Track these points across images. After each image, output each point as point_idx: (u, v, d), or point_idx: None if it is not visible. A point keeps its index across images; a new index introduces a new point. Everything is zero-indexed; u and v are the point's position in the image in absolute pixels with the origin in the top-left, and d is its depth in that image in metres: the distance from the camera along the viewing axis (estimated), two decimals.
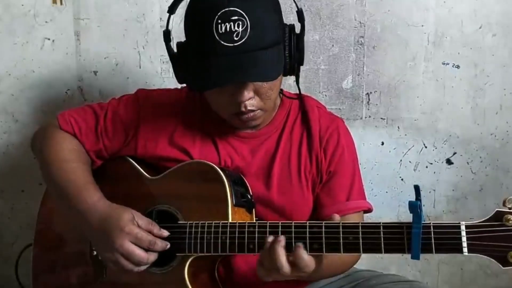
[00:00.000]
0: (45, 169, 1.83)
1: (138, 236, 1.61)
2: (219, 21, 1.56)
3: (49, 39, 2.40)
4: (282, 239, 1.51)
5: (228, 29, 1.55)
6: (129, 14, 2.39)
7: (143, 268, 1.65)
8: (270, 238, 1.53)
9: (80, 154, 1.85)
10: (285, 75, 1.72)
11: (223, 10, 1.55)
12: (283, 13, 1.71)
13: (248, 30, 1.56)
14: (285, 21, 1.70)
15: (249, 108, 1.68)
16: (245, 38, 1.56)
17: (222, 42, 1.56)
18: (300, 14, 1.70)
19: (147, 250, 1.63)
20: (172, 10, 1.70)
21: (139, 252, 1.61)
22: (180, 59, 1.72)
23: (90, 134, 1.86)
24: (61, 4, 2.36)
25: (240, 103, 1.66)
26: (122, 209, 1.66)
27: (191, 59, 1.67)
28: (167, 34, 1.73)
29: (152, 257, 1.64)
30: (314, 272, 1.56)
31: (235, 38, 1.56)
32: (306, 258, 1.50)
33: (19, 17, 2.38)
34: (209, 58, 1.61)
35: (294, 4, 1.75)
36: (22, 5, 2.37)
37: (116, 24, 2.40)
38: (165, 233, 1.66)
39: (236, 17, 1.55)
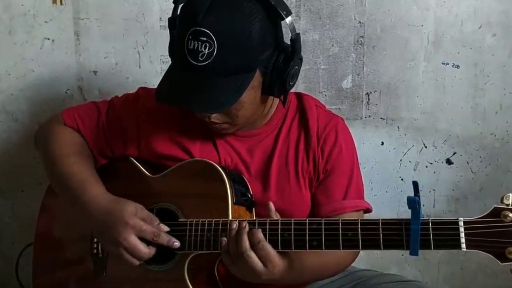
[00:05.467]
0: (49, 164, 1.86)
1: (143, 229, 1.64)
2: (190, 37, 1.56)
3: (49, 39, 2.40)
4: (246, 225, 1.58)
5: (196, 48, 1.55)
6: (129, 14, 2.39)
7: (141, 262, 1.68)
8: (235, 225, 1.59)
9: (83, 148, 1.88)
10: (265, 95, 1.71)
11: (195, 28, 1.55)
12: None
13: (214, 54, 1.54)
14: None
15: (212, 120, 1.69)
16: (208, 61, 1.55)
17: (189, 58, 1.57)
18: (292, 42, 1.64)
19: (150, 242, 1.65)
20: (177, 1, 1.68)
21: (141, 247, 1.64)
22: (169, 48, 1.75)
23: (92, 128, 1.89)
24: (61, 4, 2.36)
25: (204, 114, 1.69)
26: (125, 202, 1.68)
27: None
28: (172, 21, 1.71)
29: (153, 251, 1.67)
30: (287, 273, 1.61)
31: (200, 59, 1.55)
32: (264, 240, 1.57)
33: (19, 17, 2.38)
34: (177, 67, 1.64)
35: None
36: (22, 5, 2.37)
37: (116, 24, 2.40)
38: (165, 228, 1.68)
39: (204, 38, 1.54)
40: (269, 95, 1.72)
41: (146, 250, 1.64)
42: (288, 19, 1.61)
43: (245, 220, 1.61)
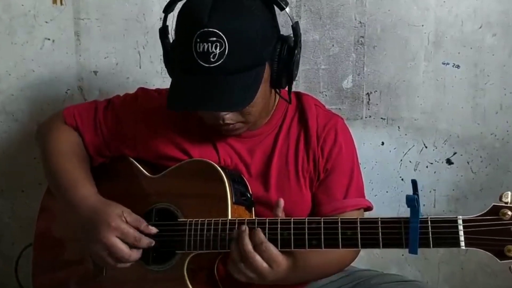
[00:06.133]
0: (46, 160, 1.87)
1: (124, 231, 1.63)
2: (198, 40, 1.55)
3: (49, 39, 2.40)
4: (245, 228, 1.57)
5: (205, 49, 1.54)
6: (129, 14, 2.39)
7: (124, 265, 1.66)
8: (236, 233, 1.59)
9: (79, 148, 1.89)
10: (273, 87, 1.73)
11: (202, 30, 1.54)
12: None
13: (226, 52, 1.54)
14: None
15: (226, 121, 1.69)
16: (221, 60, 1.54)
17: (199, 61, 1.56)
18: (294, 30, 1.66)
19: (132, 246, 1.64)
20: (167, 10, 1.69)
21: (122, 248, 1.63)
22: (168, 61, 1.75)
23: (90, 126, 1.90)
24: (61, 4, 2.37)
25: (218, 117, 1.68)
26: (112, 204, 1.69)
27: (174, 67, 1.71)
28: (162, 31, 1.72)
29: (135, 254, 1.65)
30: (292, 272, 1.61)
31: (212, 59, 1.55)
32: (266, 241, 1.56)
33: (19, 17, 2.38)
34: (185, 74, 1.63)
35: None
36: (22, 5, 2.37)
37: (116, 24, 2.40)
38: (153, 230, 1.68)
39: (214, 38, 1.53)
40: (277, 87, 1.73)
41: (127, 251, 1.63)
42: (287, 9, 1.63)
43: (245, 221, 1.61)
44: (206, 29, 1.54)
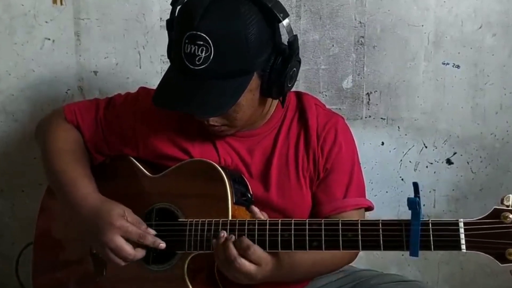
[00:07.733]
0: (45, 157, 1.87)
1: (129, 230, 1.63)
2: (187, 41, 1.56)
3: (49, 39, 2.40)
4: (224, 235, 1.59)
5: (192, 52, 1.55)
6: (129, 14, 2.38)
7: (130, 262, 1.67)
8: (222, 233, 1.59)
9: (79, 146, 1.89)
10: (264, 96, 1.72)
11: (191, 32, 1.55)
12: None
13: (211, 57, 1.54)
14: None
15: (211, 123, 1.70)
16: (205, 64, 1.55)
17: (186, 62, 1.57)
18: (290, 44, 1.64)
19: (136, 244, 1.65)
20: (175, 3, 1.68)
21: (127, 248, 1.63)
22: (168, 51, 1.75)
23: (90, 124, 1.90)
24: (61, 4, 2.36)
25: (202, 117, 1.70)
26: (113, 203, 1.69)
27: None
28: (169, 23, 1.70)
29: (140, 253, 1.66)
30: (278, 270, 1.62)
31: (197, 62, 1.55)
32: (253, 245, 1.56)
33: (19, 17, 2.38)
34: (173, 70, 1.65)
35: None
36: (22, 5, 2.37)
37: (116, 24, 2.40)
38: (152, 232, 1.68)
39: (201, 42, 1.54)
40: (268, 97, 1.72)
41: (131, 251, 1.64)
42: (285, 22, 1.60)
43: (245, 222, 1.61)
44: (194, 32, 1.54)
